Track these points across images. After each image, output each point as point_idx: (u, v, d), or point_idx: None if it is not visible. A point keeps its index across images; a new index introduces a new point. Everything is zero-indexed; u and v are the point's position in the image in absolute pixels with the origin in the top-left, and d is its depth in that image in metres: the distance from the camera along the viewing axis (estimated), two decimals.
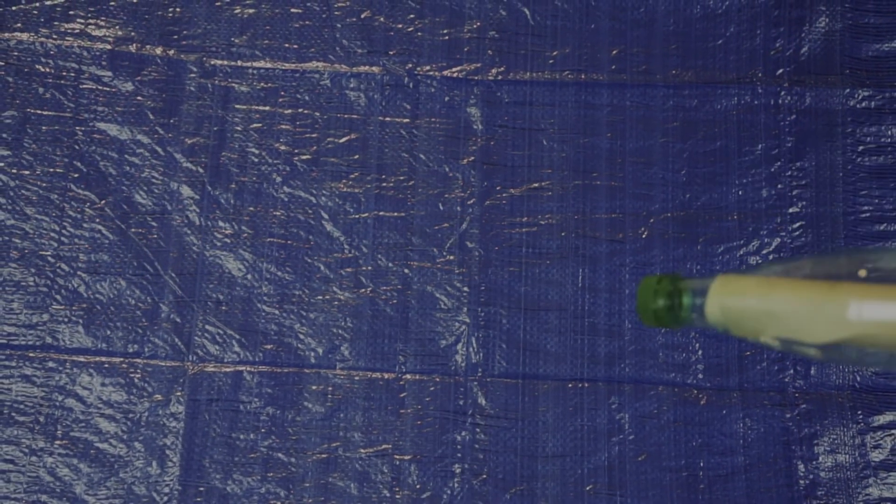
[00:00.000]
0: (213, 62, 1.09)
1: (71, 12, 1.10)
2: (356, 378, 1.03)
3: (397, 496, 1.00)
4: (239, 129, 1.08)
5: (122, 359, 1.03)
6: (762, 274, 0.49)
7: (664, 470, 0.99)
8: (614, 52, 1.09)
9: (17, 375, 1.02)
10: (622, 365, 1.02)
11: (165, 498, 1.00)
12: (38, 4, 1.10)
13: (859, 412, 1.00)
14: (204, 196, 1.07)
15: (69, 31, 1.10)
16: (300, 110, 1.08)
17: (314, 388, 1.02)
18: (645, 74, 1.08)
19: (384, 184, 1.07)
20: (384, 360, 1.03)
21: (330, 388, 1.02)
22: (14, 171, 1.07)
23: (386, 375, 1.03)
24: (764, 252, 1.04)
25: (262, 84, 1.09)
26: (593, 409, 1.01)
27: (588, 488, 0.99)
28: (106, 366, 1.03)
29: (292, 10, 1.10)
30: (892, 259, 0.46)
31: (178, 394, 1.02)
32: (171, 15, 1.10)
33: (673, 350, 1.02)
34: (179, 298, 1.04)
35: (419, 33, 1.09)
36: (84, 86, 1.09)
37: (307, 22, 1.10)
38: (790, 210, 1.05)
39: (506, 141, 1.07)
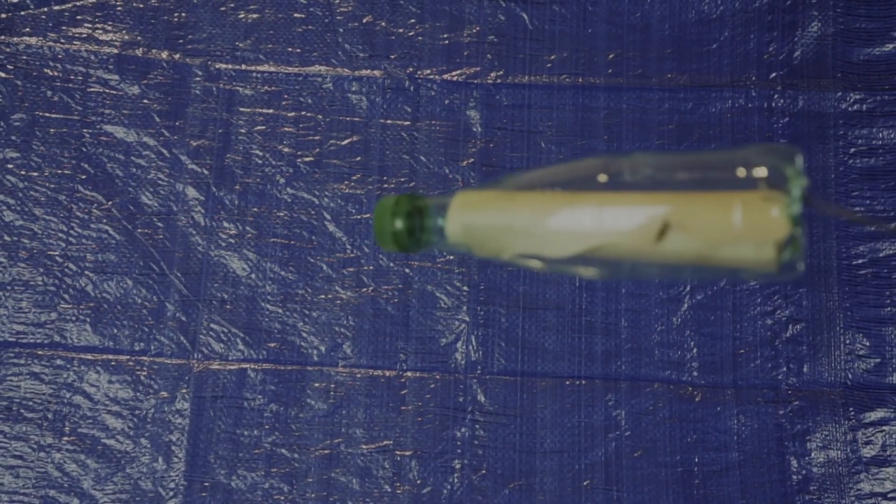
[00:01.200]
0: (217, 66, 1.10)
1: (78, 17, 1.11)
2: (358, 375, 1.03)
3: (398, 491, 1.00)
4: (243, 131, 1.08)
5: (128, 357, 1.04)
6: (503, 187, 0.45)
7: (660, 465, 1.00)
8: (611, 56, 1.08)
9: (26, 373, 1.03)
10: (618, 362, 1.02)
11: (171, 493, 1.00)
12: (46, 10, 1.10)
13: (851, 409, 1.00)
14: (209, 197, 1.07)
15: (77, 35, 1.10)
16: (303, 113, 1.09)
17: (317, 385, 1.03)
18: (641, 78, 1.08)
19: (385, 185, 1.07)
20: (385, 357, 1.04)
21: (332, 386, 1.03)
22: (23, 172, 1.07)
23: (387, 373, 1.03)
24: None
25: (265, 87, 1.09)
26: (590, 405, 1.02)
27: (585, 483, 1.00)
28: (113, 363, 1.04)
29: (295, 15, 1.10)
30: (634, 163, 0.43)
31: (184, 391, 1.03)
32: (176, 20, 1.11)
33: (668, 348, 1.02)
34: (185, 297, 1.05)
35: (420, 38, 1.10)
36: (91, 89, 1.09)
37: (310, 27, 1.10)
38: None
39: (505, 143, 1.08)
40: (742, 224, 0.39)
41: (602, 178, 0.43)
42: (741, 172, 0.40)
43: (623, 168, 0.43)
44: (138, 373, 1.03)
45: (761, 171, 0.40)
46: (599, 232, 0.41)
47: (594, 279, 0.48)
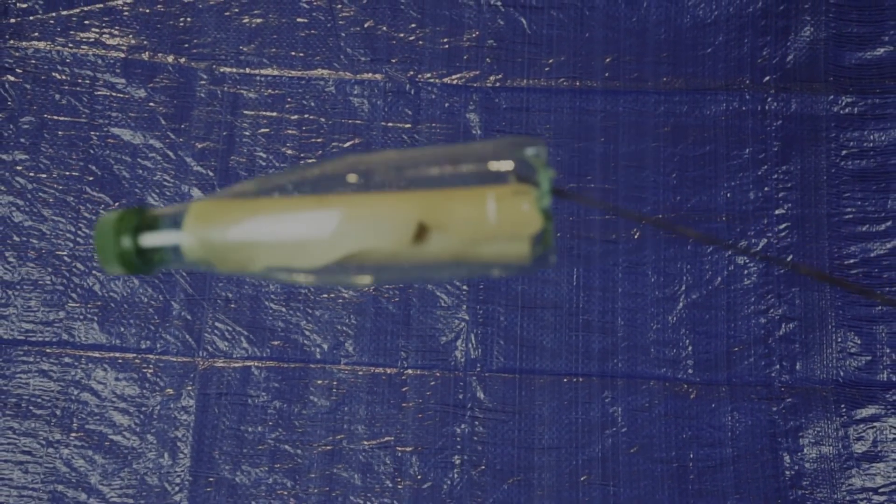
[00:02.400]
0: (222, 70, 1.11)
1: (86, 22, 1.12)
2: (360, 373, 1.04)
3: (399, 486, 1.01)
4: (247, 133, 1.10)
5: (135, 354, 1.05)
6: (244, 193, 0.40)
7: (655, 461, 1.01)
8: (608, 60, 1.09)
9: (35, 370, 1.05)
10: (615, 360, 1.03)
11: (177, 488, 1.02)
12: (54, 14, 1.12)
13: (843, 406, 1.01)
14: None
15: (84, 40, 1.12)
16: (306, 116, 1.10)
17: (319, 382, 1.04)
18: (637, 81, 1.09)
19: None
20: (387, 355, 1.05)
21: (335, 383, 1.04)
22: (32, 174, 1.09)
23: (388, 370, 1.04)
24: (752, 252, 1.06)
25: (269, 90, 1.10)
26: (587, 402, 1.03)
27: (582, 479, 1.01)
28: (120, 361, 1.05)
29: (298, 19, 1.12)
30: (384, 161, 0.39)
31: (189, 388, 1.04)
32: (182, 24, 1.12)
33: (664, 346, 1.04)
34: (190, 297, 1.06)
35: (420, 42, 1.11)
36: (99, 92, 1.11)
37: (313, 31, 1.11)
38: (776, 212, 1.05)
39: None
40: (496, 220, 0.37)
41: (352, 178, 0.39)
42: (491, 166, 0.38)
43: (373, 167, 0.40)
44: (145, 370, 1.05)
45: (509, 165, 0.38)
46: (354, 237, 0.38)
47: (364, 287, 0.43)
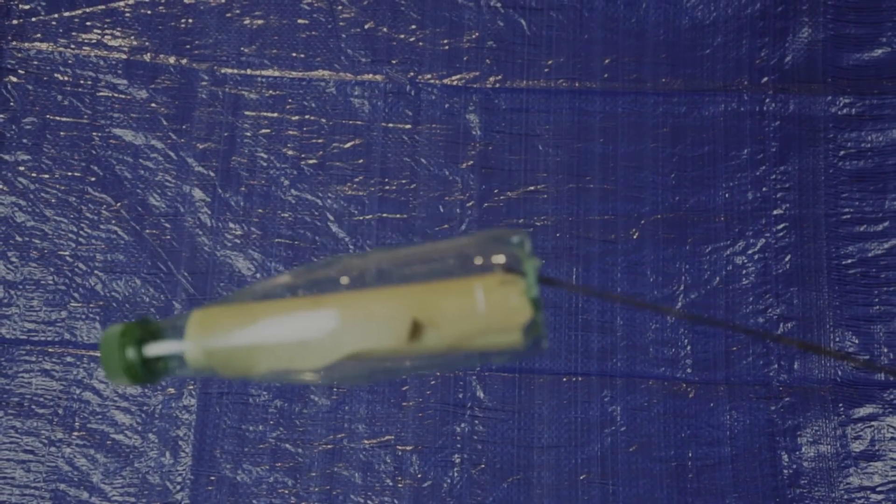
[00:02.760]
0: (223, 71, 1.11)
1: (88, 23, 1.13)
2: None
3: (399, 485, 1.02)
4: (248, 134, 1.10)
5: None
6: (241, 299, 0.41)
7: (654, 460, 1.01)
8: (607, 61, 1.10)
9: (37, 370, 1.05)
10: (614, 360, 1.04)
11: (178, 486, 1.02)
12: (56, 16, 1.12)
13: (840, 405, 1.02)
14: (215, 199, 1.09)
15: (86, 41, 1.12)
16: (307, 117, 1.10)
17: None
18: (636, 82, 1.09)
19: (387, 187, 1.09)
20: None
21: (335, 382, 1.05)
22: (34, 174, 1.09)
23: None
24: (750, 252, 1.06)
25: (270, 91, 1.11)
26: (586, 401, 1.03)
27: (582, 477, 1.01)
28: None
29: (299, 21, 1.12)
30: (372, 261, 0.41)
31: (191, 387, 1.04)
32: (183, 26, 1.12)
33: (663, 345, 1.04)
34: (192, 296, 1.07)
35: (420, 43, 1.11)
36: (101, 93, 1.11)
37: (313, 32, 1.12)
38: (774, 212, 1.06)
39: (503, 146, 1.09)
40: (486, 312, 0.39)
41: (344, 280, 0.41)
42: (477, 261, 0.40)
43: (362, 267, 0.41)
44: None
45: (497, 259, 0.39)
46: (351, 338, 0.39)
47: (364, 383, 0.44)
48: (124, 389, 1.04)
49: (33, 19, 1.13)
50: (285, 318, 0.40)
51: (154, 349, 0.41)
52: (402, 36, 1.12)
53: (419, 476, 1.02)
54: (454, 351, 0.40)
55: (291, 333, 0.40)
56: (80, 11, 1.13)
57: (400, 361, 0.41)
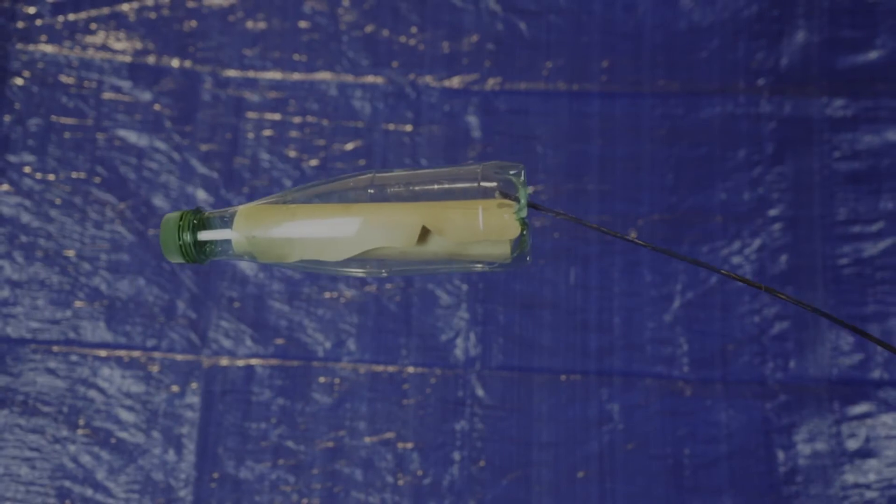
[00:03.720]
0: (226, 73, 1.13)
1: (93, 26, 1.14)
2: (361, 371, 1.06)
3: (400, 482, 1.03)
4: (251, 136, 1.11)
5: (140, 352, 1.07)
6: (282, 201, 0.50)
7: (651, 457, 1.02)
8: (605, 63, 1.11)
9: (42, 368, 1.06)
10: (612, 358, 1.05)
11: (182, 484, 1.03)
12: (62, 19, 1.14)
13: (836, 403, 1.02)
14: (218, 199, 1.10)
15: (91, 44, 1.13)
16: (308, 118, 1.11)
17: (322, 380, 1.06)
18: (634, 85, 1.10)
19: None
20: (388, 353, 1.06)
21: (337, 381, 1.06)
22: (39, 175, 1.11)
23: (389, 368, 1.06)
24: (746, 252, 1.07)
25: (272, 93, 1.12)
26: (585, 400, 1.04)
27: (580, 475, 1.02)
28: (125, 359, 1.07)
29: (301, 24, 1.13)
30: (396, 177, 0.50)
31: (194, 385, 1.06)
32: (186, 29, 1.14)
33: (660, 344, 1.05)
34: (195, 296, 1.08)
35: (421, 46, 1.12)
36: (105, 95, 1.12)
37: (315, 35, 1.13)
38: (770, 212, 1.07)
39: (502, 147, 1.10)
40: (484, 227, 0.47)
41: (370, 190, 0.49)
42: (479, 184, 0.49)
43: (387, 182, 0.50)
44: (150, 368, 1.06)
45: (495, 184, 0.48)
46: (371, 237, 0.47)
47: (370, 277, 0.55)
48: (128, 388, 1.06)
49: (38, 22, 1.14)
50: (319, 217, 0.49)
51: (206, 235, 0.49)
52: (403, 39, 1.13)
53: (419, 473, 1.03)
54: (454, 257, 0.49)
55: (323, 230, 0.48)
56: (84, 14, 1.14)
57: (408, 262, 0.49)
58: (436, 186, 0.50)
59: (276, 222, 0.49)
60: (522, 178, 0.48)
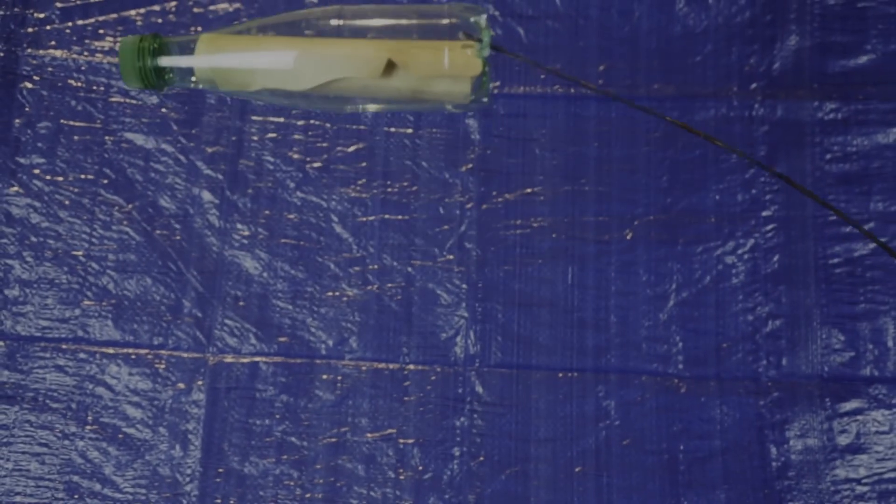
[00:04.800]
0: None
1: (101, 31, 1.15)
2: (363, 368, 1.07)
3: (401, 477, 1.04)
4: (255, 138, 1.13)
5: (147, 350, 1.08)
6: (245, 31, 0.49)
7: (647, 453, 1.03)
8: (601, 67, 1.12)
9: (51, 366, 1.08)
10: (608, 356, 1.06)
11: (188, 478, 1.05)
12: (70, 24, 1.15)
13: (827, 400, 1.03)
14: (223, 200, 1.11)
15: (99, 48, 1.15)
16: (312, 122, 1.13)
17: (324, 377, 1.07)
18: (630, 88, 1.11)
19: (389, 189, 1.11)
20: (389, 351, 1.08)
21: (339, 378, 1.07)
22: (48, 177, 1.12)
23: (391, 366, 1.07)
24: (739, 252, 1.09)
25: None
26: (582, 396, 1.05)
27: (577, 470, 1.04)
28: (133, 357, 1.08)
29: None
30: (362, 10, 0.49)
31: (200, 383, 1.07)
32: (193, 33, 1.15)
33: (655, 342, 1.07)
34: (201, 295, 1.10)
35: None
36: (113, 99, 1.14)
37: None
38: (763, 213, 1.08)
39: (501, 150, 1.11)
40: (448, 63, 0.48)
41: (335, 22, 0.49)
42: (445, 22, 0.50)
43: (354, 14, 0.49)
44: (157, 365, 1.08)
45: (459, 24, 0.50)
46: (336, 67, 0.47)
47: (333, 111, 0.55)
48: (135, 385, 1.07)
49: (48, 27, 1.16)
50: (283, 45, 0.48)
51: (166, 60, 0.48)
52: None
53: (420, 468, 1.05)
54: (416, 94, 0.50)
55: (287, 58, 0.47)
56: (92, 20, 1.16)
57: (371, 97, 0.50)
58: (403, 21, 0.50)
59: (240, 48, 0.48)
60: (485, 20, 0.50)
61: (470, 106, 0.51)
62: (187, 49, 0.48)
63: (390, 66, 0.48)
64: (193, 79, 0.48)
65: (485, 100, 0.51)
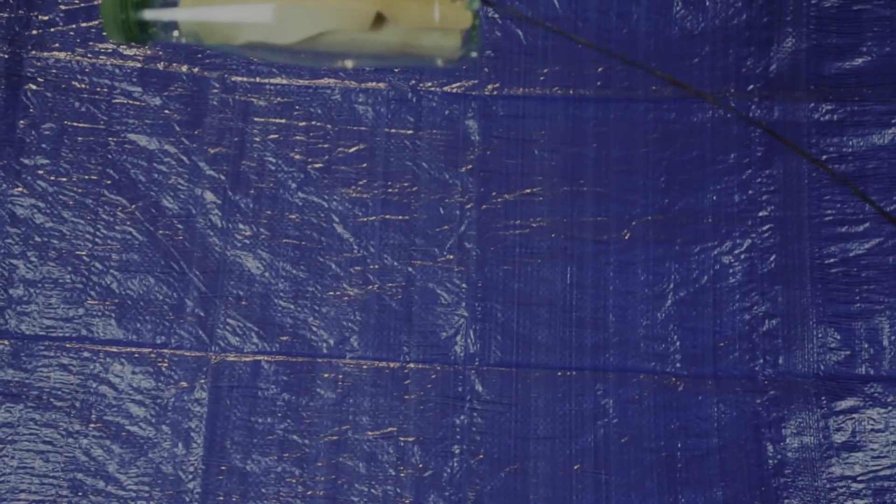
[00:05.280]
0: (233, 79, 1.14)
1: (104, 33, 1.16)
2: (364, 367, 1.08)
3: (402, 475, 1.05)
4: (257, 139, 1.13)
5: (150, 349, 1.09)
6: None
7: (645, 451, 1.04)
8: (600, 69, 1.13)
9: (55, 364, 1.09)
10: (606, 355, 1.07)
11: (190, 476, 1.06)
12: (74, 26, 1.16)
13: (823, 398, 1.04)
14: (225, 201, 1.12)
15: (103, 50, 1.16)
16: (313, 122, 1.13)
17: (326, 375, 1.08)
18: (627, 90, 1.12)
19: (390, 190, 1.12)
20: (390, 350, 1.08)
21: (340, 376, 1.08)
22: (52, 178, 1.13)
23: (391, 364, 1.08)
24: (736, 252, 1.09)
25: (278, 99, 1.14)
26: (580, 395, 1.06)
27: (576, 467, 1.04)
28: (136, 355, 1.09)
29: None
30: None
31: (202, 381, 1.08)
32: None
33: (653, 341, 1.07)
34: (203, 294, 1.10)
35: None
36: (116, 100, 1.14)
37: None
38: (760, 214, 1.09)
39: (501, 151, 1.12)
40: (438, 15, 0.47)
41: None
42: None
43: None
44: (160, 364, 1.09)
45: None
46: (324, 19, 0.46)
47: (321, 66, 0.54)
48: (139, 383, 1.08)
49: (52, 30, 1.16)
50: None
51: (150, 14, 0.47)
52: None
53: (420, 466, 1.05)
54: (405, 48, 0.49)
55: (273, 10, 0.47)
56: (96, 22, 1.16)
57: (358, 52, 0.49)
58: None
59: (225, 0, 0.47)
60: None
61: (459, 61, 0.50)
62: (171, 1, 0.47)
63: (379, 20, 0.47)
64: (177, 32, 0.48)
65: (474, 54, 0.50)
